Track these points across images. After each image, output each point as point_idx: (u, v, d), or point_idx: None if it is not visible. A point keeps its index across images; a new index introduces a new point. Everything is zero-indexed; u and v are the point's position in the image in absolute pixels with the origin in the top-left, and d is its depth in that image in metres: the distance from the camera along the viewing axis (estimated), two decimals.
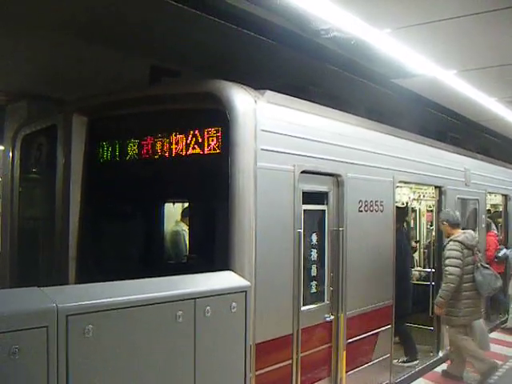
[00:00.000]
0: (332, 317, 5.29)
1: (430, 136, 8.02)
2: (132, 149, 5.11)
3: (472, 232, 6.85)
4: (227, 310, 3.88)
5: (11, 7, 4.63)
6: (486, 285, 6.37)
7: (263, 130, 4.43)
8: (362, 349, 5.80)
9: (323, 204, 5.30)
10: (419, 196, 10.30)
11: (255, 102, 4.42)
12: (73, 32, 5.26)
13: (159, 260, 5.48)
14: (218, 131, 4.49)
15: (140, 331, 3.30)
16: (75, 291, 3.42)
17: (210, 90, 4.51)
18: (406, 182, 7.59)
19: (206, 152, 4.55)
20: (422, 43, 5.42)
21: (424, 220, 12.13)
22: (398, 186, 6.84)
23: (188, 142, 4.66)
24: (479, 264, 6.45)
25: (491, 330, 9.47)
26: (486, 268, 6.46)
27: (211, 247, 4.66)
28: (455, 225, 6.70)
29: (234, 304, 3.91)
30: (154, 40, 5.49)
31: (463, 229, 6.96)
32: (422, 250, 11.05)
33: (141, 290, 3.42)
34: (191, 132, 4.63)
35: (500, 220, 11.29)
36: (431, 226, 10.07)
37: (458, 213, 6.97)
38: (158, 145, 4.90)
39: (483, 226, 9.53)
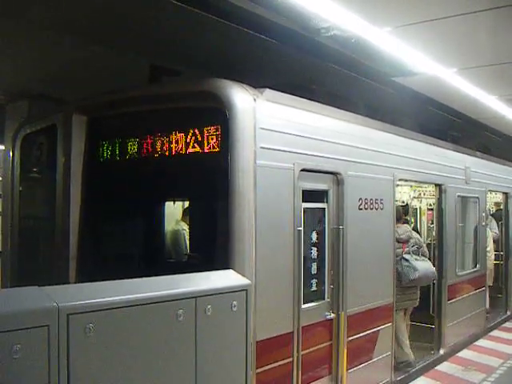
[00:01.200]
0: (332, 315, 5.29)
1: (430, 134, 8.02)
2: (132, 148, 5.11)
3: (404, 226, 7.24)
4: (228, 309, 3.89)
5: (11, 7, 4.63)
6: (404, 275, 6.74)
7: (262, 128, 4.43)
8: (363, 347, 5.80)
9: (323, 202, 5.30)
10: (419, 194, 10.30)
11: (254, 100, 4.42)
12: (73, 32, 5.26)
13: (160, 259, 5.49)
14: (217, 130, 4.48)
15: (141, 330, 3.31)
16: (76, 290, 3.41)
17: (210, 88, 4.51)
18: (406, 180, 7.59)
19: (205, 150, 4.55)
20: (423, 41, 5.42)
21: (424, 219, 12.14)
22: (398, 185, 6.84)
23: (188, 140, 4.66)
24: (401, 256, 6.82)
25: (491, 328, 9.49)
26: (406, 260, 6.81)
27: (211, 246, 4.66)
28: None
29: (234, 303, 3.92)
30: (154, 39, 5.48)
31: (404, 223, 7.48)
32: None
33: (141, 289, 3.42)
34: (191, 131, 4.64)
35: None
36: (432, 224, 10.07)
37: (399, 208, 7.33)
38: (158, 144, 4.90)
39: (483, 224, 9.53)
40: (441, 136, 8.57)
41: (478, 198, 9.19)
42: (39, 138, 6.02)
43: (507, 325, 9.88)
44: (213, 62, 5.86)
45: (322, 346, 5.20)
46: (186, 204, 6.41)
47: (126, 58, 5.91)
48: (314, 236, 5.19)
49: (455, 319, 8.01)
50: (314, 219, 5.21)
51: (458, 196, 8.26)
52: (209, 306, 3.70)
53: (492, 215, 10.87)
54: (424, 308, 7.82)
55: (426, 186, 9.45)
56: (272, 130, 4.56)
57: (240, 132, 4.31)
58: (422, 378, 6.81)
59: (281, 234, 4.63)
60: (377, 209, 5.98)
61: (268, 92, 4.62)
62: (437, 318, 7.68)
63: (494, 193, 11.38)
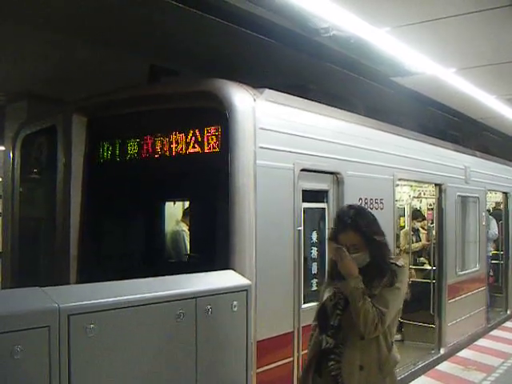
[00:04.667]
0: None
1: (429, 134, 8.02)
2: (132, 148, 5.12)
3: None
4: (228, 309, 3.89)
5: (12, 7, 4.64)
6: None
7: (262, 129, 4.43)
8: None
9: (323, 202, 5.30)
10: (420, 194, 10.29)
11: (254, 100, 4.42)
12: (73, 32, 5.26)
13: (160, 259, 5.49)
14: (217, 130, 4.49)
15: (141, 330, 3.31)
16: (77, 291, 3.41)
17: (209, 88, 4.51)
18: (406, 180, 7.59)
19: (205, 151, 4.56)
20: (422, 41, 5.43)
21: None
22: (398, 184, 6.84)
23: (188, 141, 4.67)
24: None
25: (491, 328, 9.49)
26: None
27: (212, 246, 4.66)
28: None
29: (235, 303, 3.92)
30: (154, 39, 5.49)
31: None
32: None
33: (142, 290, 3.42)
34: (191, 131, 4.64)
35: None
36: (432, 223, 10.07)
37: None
38: (158, 144, 4.91)
39: (483, 223, 9.54)
40: (440, 136, 8.58)
41: (477, 197, 9.19)
42: (39, 139, 6.02)
43: (507, 324, 9.88)
44: (212, 63, 5.87)
45: None
46: (186, 204, 6.41)
47: (126, 59, 5.91)
48: (314, 236, 5.19)
49: (455, 319, 8.01)
50: (314, 219, 5.22)
51: (458, 196, 8.26)
52: (209, 307, 3.70)
53: (491, 214, 10.89)
54: (424, 307, 7.83)
55: (426, 185, 9.44)
56: (272, 130, 4.56)
57: (240, 132, 4.31)
58: (422, 378, 6.80)
59: (281, 234, 4.63)
60: (377, 208, 5.97)
61: (267, 92, 4.62)
62: (437, 317, 7.68)
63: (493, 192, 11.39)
